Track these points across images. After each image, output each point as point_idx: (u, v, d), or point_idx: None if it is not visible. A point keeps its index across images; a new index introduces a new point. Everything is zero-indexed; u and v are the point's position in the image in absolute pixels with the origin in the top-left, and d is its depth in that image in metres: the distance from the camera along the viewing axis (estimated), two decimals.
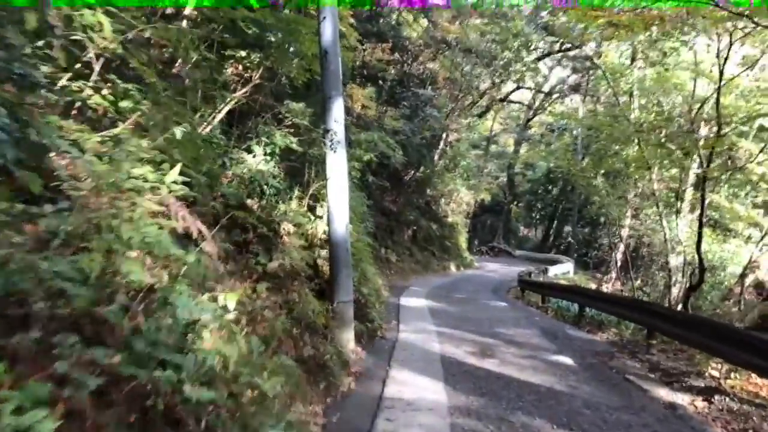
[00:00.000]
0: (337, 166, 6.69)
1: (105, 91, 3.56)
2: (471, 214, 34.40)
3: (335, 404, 4.94)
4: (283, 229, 6.76)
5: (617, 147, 21.41)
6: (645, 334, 8.15)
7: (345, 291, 6.77)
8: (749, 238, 21.06)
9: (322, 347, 5.74)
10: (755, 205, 21.66)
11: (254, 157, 6.27)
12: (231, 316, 3.10)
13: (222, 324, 2.90)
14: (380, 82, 19.14)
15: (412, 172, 23.92)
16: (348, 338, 6.77)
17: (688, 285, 15.28)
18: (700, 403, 5.44)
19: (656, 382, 6.12)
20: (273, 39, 6.69)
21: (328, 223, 6.78)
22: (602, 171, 19.09)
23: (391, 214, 22.77)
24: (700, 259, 14.19)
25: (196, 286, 3.20)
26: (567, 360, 6.95)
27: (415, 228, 25.01)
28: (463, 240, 31.74)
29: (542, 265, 29.51)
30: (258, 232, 6.20)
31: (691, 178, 20.94)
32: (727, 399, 5.46)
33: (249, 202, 6.44)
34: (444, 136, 23.67)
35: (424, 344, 7.67)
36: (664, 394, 5.58)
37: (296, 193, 7.19)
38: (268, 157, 6.33)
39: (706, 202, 15.51)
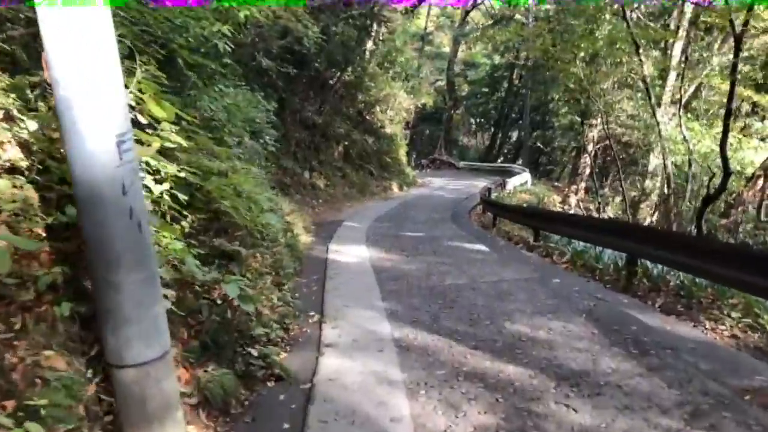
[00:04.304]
0: None
1: None
2: (410, 123, 29.96)
3: None
4: None
5: (590, 26, 17.30)
6: None
7: (141, 335, 2.33)
8: (744, 127, 18.03)
9: None
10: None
11: None
12: None
13: None
14: None
15: (339, 73, 18.95)
16: None
17: (705, 194, 11.86)
18: None
19: None
20: None
21: (64, 142, 2.20)
22: (581, 55, 14.95)
23: (316, 127, 18.01)
24: (725, 160, 10.63)
25: None
26: None
27: (346, 143, 20.43)
28: (403, 154, 27.46)
29: (496, 177, 25.90)
30: None
31: (674, 61, 17.38)
32: None
33: None
34: (376, 23, 18.66)
35: (375, 411, 3.36)
36: None
37: None
38: None
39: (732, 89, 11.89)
